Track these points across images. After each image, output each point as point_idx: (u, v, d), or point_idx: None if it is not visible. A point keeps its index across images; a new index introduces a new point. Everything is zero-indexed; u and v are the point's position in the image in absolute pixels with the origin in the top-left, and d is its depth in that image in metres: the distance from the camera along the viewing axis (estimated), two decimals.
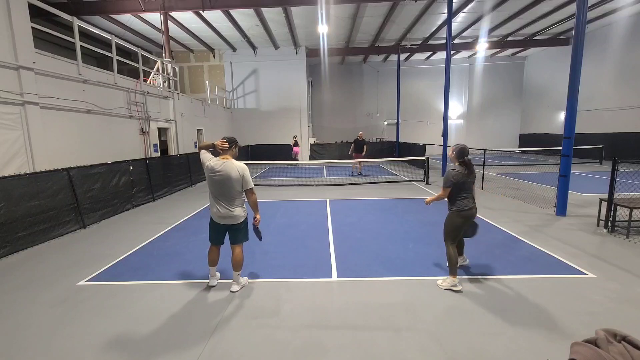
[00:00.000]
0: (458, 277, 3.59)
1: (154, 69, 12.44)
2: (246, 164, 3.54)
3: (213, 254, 3.69)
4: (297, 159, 16.92)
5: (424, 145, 14.69)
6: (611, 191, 5.33)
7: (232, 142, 3.46)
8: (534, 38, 18.44)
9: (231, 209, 3.42)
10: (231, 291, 3.59)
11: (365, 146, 12.79)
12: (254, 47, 18.53)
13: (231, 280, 3.70)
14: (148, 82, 11.27)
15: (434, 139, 20.55)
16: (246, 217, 3.57)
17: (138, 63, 10.09)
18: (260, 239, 3.69)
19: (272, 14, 14.00)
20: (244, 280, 3.77)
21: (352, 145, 12.96)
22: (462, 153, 3.52)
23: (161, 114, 11.04)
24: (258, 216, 3.55)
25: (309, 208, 7.47)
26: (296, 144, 17.15)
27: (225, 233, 3.59)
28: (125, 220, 6.77)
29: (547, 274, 3.89)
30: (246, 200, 3.55)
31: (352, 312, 3.16)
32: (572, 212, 6.54)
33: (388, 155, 18.82)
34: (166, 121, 11.44)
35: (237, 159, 3.53)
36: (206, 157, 3.43)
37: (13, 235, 4.87)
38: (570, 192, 6.62)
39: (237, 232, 3.54)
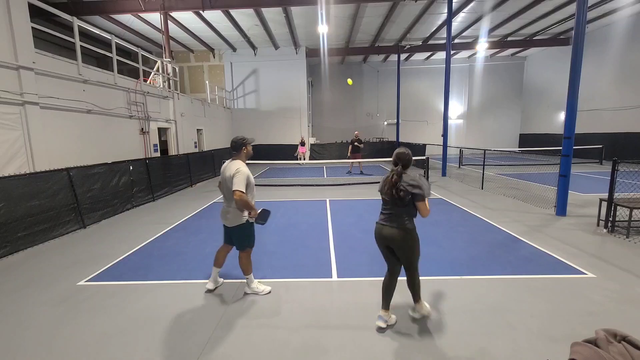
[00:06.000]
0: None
1: (154, 69, 12.44)
2: (245, 163, 3.50)
3: (219, 253, 3.61)
4: (302, 158, 17.10)
5: (424, 145, 14.69)
6: (611, 191, 5.32)
7: (236, 145, 3.38)
8: (534, 38, 18.44)
9: (228, 210, 3.37)
10: (245, 292, 3.56)
11: (361, 145, 12.97)
12: (254, 47, 18.53)
13: (242, 281, 3.65)
14: (148, 82, 11.27)
15: (434, 139, 20.53)
16: (243, 224, 3.37)
17: (138, 63, 10.09)
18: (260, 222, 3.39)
19: (272, 14, 14.00)
20: (255, 285, 3.58)
21: (350, 147, 12.96)
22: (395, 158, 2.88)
23: (161, 114, 11.04)
24: (252, 212, 3.30)
25: (309, 208, 7.47)
26: (303, 143, 17.42)
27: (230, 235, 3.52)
28: (125, 220, 6.77)
29: (547, 274, 3.88)
30: None
31: (352, 312, 3.16)
32: (572, 212, 6.54)
33: (388, 155, 18.77)
34: (166, 121, 11.44)
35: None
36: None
37: (13, 235, 4.87)
38: (570, 192, 6.61)
39: (235, 237, 3.44)
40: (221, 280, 3.82)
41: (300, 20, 14.88)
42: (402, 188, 2.69)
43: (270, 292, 3.58)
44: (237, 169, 3.23)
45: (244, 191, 3.16)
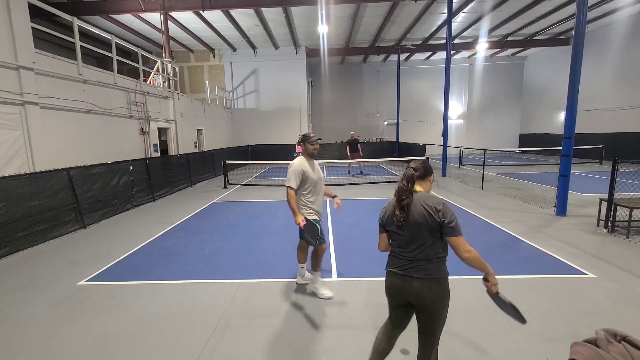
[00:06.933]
0: None
1: (154, 69, 12.45)
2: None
3: (302, 249, 3.59)
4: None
5: (424, 145, 14.70)
6: (611, 191, 5.32)
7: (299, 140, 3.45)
8: (534, 38, 18.44)
9: None
10: (307, 289, 3.58)
11: (359, 144, 12.86)
12: (254, 47, 18.54)
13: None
14: (148, 82, 11.27)
15: (434, 139, 20.54)
16: (305, 220, 3.19)
17: (138, 63, 10.09)
18: (312, 242, 3.11)
19: (272, 14, 14.01)
20: (319, 285, 3.50)
21: (348, 146, 12.88)
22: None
23: (161, 114, 11.04)
24: (296, 219, 3.15)
25: None
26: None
27: None
28: (125, 220, 6.77)
29: (547, 274, 3.88)
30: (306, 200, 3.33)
31: (352, 312, 3.16)
32: (572, 212, 6.54)
33: (388, 155, 18.83)
34: (166, 121, 11.44)
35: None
36: None
37: (13, 235, 4.87)
38: (570, 192, 6.61)
39: None
40: (308, 274, 3.72)
41: (300, 20, 14.88)
42: (423, 206, 1.81)
43: (331, 297, 3.42)
44: (291, 164, 3.31)
45: (293, 187, 3.21)
